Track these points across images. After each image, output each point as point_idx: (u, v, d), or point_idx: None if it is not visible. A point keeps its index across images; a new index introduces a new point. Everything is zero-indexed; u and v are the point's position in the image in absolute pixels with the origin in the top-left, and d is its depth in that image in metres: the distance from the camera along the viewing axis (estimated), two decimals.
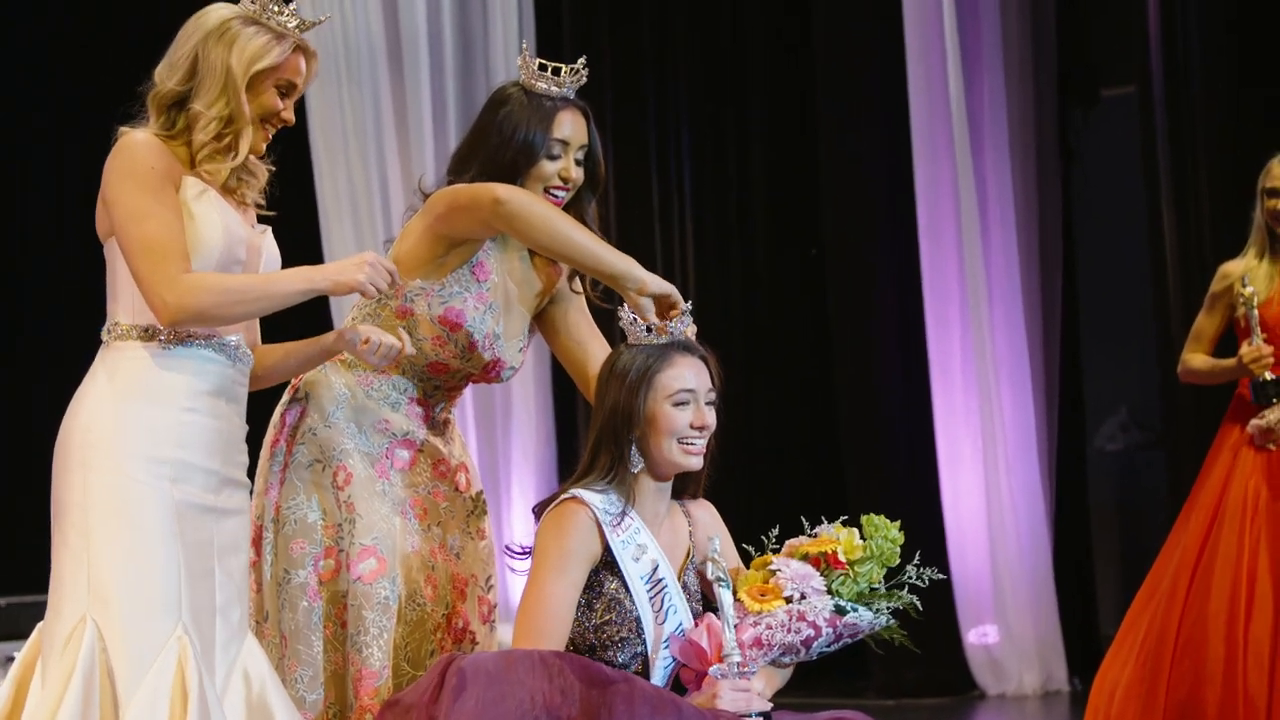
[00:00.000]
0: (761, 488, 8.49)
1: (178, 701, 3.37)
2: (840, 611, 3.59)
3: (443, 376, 3.96)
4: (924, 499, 8.15)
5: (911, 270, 8.19)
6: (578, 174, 3.86)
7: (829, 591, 3.60)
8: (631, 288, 3.71)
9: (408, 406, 3.93)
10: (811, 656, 3.67)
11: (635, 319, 3.71)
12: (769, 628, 3.57)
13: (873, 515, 3.68)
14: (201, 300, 3.45)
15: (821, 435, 8.60)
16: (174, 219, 3.48)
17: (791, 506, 4.06)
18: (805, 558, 3.64)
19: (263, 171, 3.67)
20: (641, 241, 8.42)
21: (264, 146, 3.63)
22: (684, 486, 3.83)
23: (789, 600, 3.58)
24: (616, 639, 3.63)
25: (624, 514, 3.66)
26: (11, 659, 3.57)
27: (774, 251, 8.86)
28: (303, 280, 3.52)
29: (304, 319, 4.12)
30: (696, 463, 3.68)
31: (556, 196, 3.85)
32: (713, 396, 3.69)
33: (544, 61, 3.94)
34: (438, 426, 4.00)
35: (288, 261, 3.82)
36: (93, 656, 3.37)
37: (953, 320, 8.14)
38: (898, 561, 3.69)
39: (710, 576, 3.58)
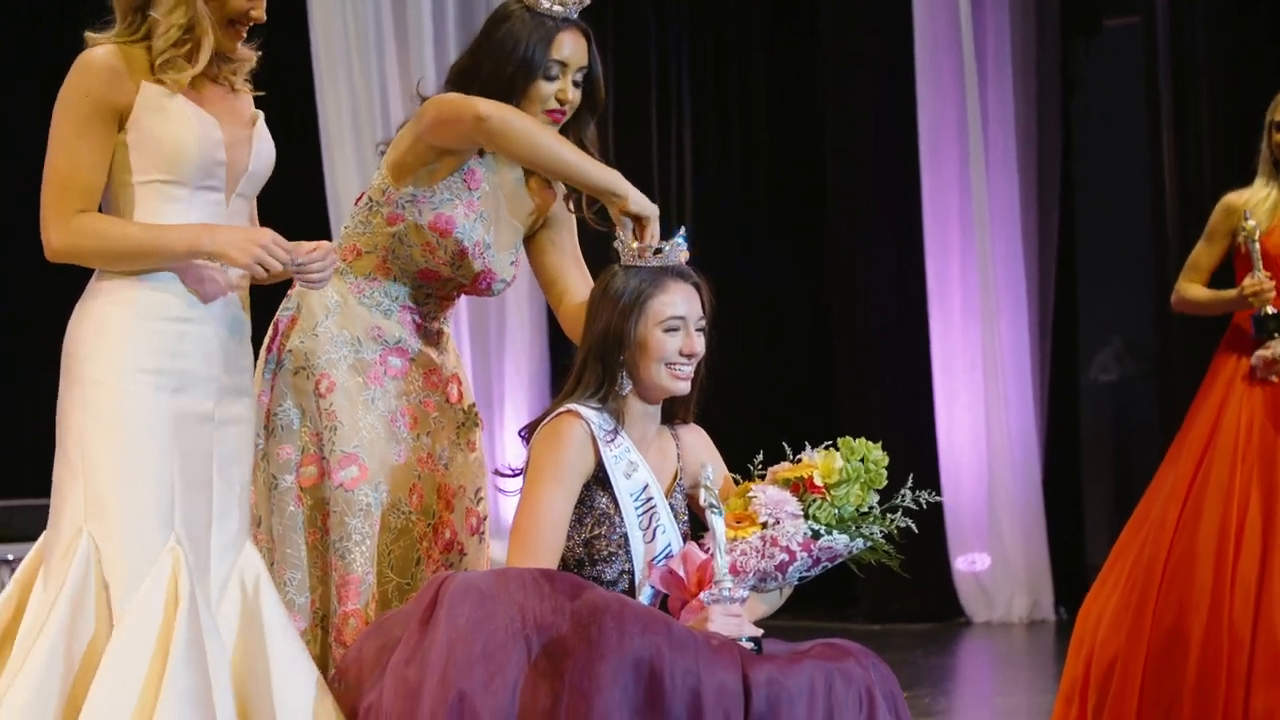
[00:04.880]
0: (753, 414, 8.47)
1: (170, 611, 3.35)
2: (815, 536, 3.55)
3: (434, 284, 3.91)
4: (918, 426, 8.15)
5: (912, 195, 8.17)
6: (575, 96, 3.81)
7: (805, 516, 3.57)
8: (613, 203, 3.68)
9: (400, 313, 3.89)
10: (791, 581, 3.63)
11: (627, 241, 3.69)
12: (743, 553, 3.54)
13: (850, 438, 3.63)
14: (83, 244, 3.39)
15: (816, 361, 8.62)
16: (87, 153, 3.39)
17: (782, 434, 3.99)
18: (786, 484, 3.61)
19: (249, 55, 3.55)
20: (639, 164, 8.39)
21: (237, 45, 3.52)
22: (673, 411, 3.81)
23: (764, 526, 3.55)
24: (604, 554, 3.63)
25: (616, 431, 3.65)
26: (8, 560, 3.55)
27: (774, 173, 8.84)
28: (189, 242, 3.40)
29: (307, 228, 4.03)
30: (684, 388, 3.66)
31: (554, 118, 3.81)
32: (703, 324, 3.67)
33: None
34: (431, 336, 3.96)
35: (287, 174, 3.79)
36: (86, 569, 3.35)
37: (952, 247, 8.14)
38: (884, 483, 3.64)
39: (703, 503, 3.56)
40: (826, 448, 3.63)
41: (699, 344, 3.65)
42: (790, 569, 3.57)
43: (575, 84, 3.79)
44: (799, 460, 3.63)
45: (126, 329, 3.40)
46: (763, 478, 3.65)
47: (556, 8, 3.77)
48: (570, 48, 3.79)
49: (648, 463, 3.65)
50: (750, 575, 3.55)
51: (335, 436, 3.77)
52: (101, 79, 3.38)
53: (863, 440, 3.64)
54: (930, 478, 7.32)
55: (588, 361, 3.64)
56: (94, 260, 3.41)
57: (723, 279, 3.94)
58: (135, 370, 3.39)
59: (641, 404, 3.67)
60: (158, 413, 3.38)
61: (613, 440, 3.60)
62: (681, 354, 3.63)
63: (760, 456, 3.70)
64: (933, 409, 8.25)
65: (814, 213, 8.72)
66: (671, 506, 3.68)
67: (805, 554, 3.56)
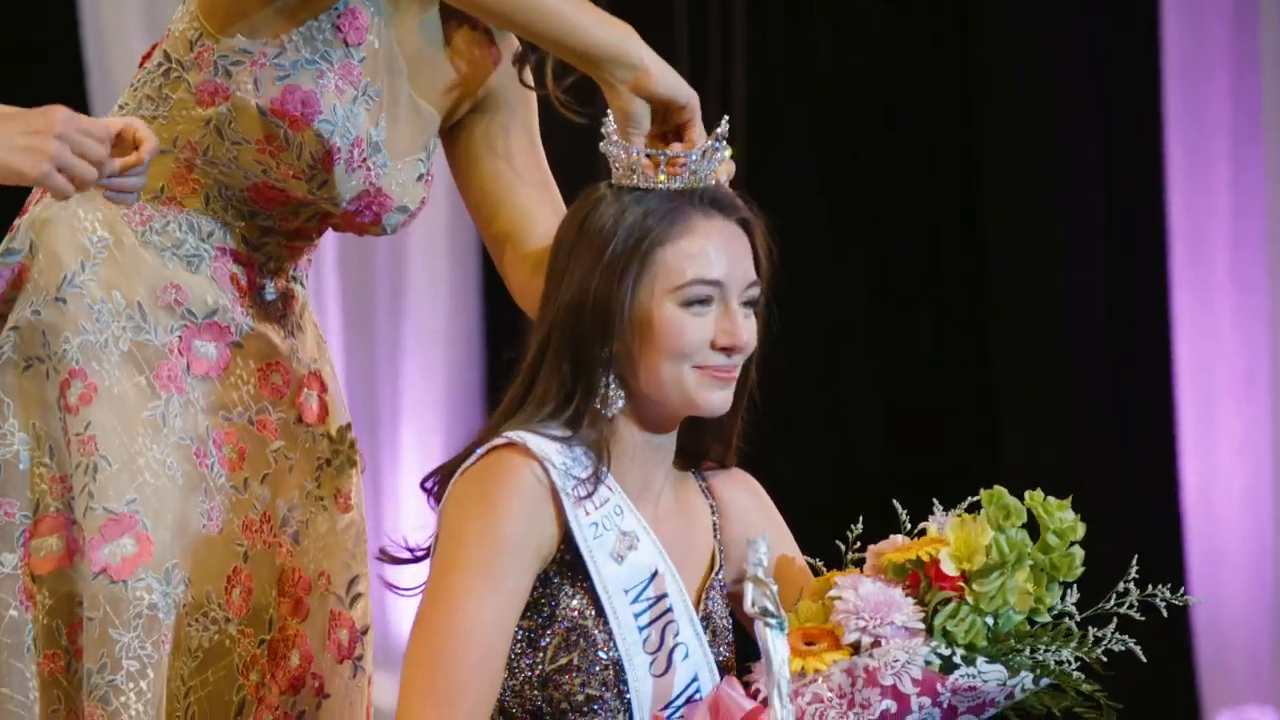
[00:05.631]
0: (845, 454, 7.34)
1: None
2: (945, 668, 2.96)
3: (276, 212, 3.35)
4: (1147, 483, 6.91)
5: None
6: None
7: (928, 632, 3.00)
8: (622, 80, 3.12)
9: (215, 263, 3.33)
10: None
11: (622, 143, 3.13)
12: (817, 699, 3.00)
13: (1000, 490, 3.02)
14: None
15: (960, 365, 7.33)
16: None
17: (894, 487, 3.33)
18: (898, 573, 3.05)
19: None
20: (655, 25, 7.50)
21: None
22: (700, 445, 3.23)
23: (856, 649, 3.01)
24: (578, 699, 3.06)
25: (596, 480, 3.07)
26: None
27: (884, 49, 7.48)
28: None
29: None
30: (722, 404, 3.10)
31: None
32: (755, 293, 3.11)
33: None
34: (272, 306, 3.40)
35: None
36: None
37: (1216, 172, 6.89)
38: (1078, 573, 3.04)
39: (749, 608, 2.95)
40: (968, 510, 3.05)
41: (748, 330, 3.10)
42: None
43: None
44: (920, 532, 3.08)
45: None
46: (860, 564, 3.10)
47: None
48: None
49: (659, 534, 3.10)
50: None
51: (96, 484, 3.22)
52: None
53: (1037, 495, 3.03)
54: (1168, 568, 5.97)
55: (548, 356, 3.09)
56: None
57: (788, 222, 3.21)
58: None
59: (644, 433, 3.12)
60: None
61: (589, 496, 3.06)
62: (717, 346, 3.07)
63: (858, 527, 3.11)
64: (1174, 454, 6.85)
65: (953, 108, 7.35)
66: (708, 614, 3.15)
67: (928, 700, 2.96)
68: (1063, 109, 7.05)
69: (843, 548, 3.14)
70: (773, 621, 2.93)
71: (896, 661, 2.96)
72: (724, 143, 3.12)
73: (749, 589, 2.95)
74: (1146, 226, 6.99)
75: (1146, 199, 6.96)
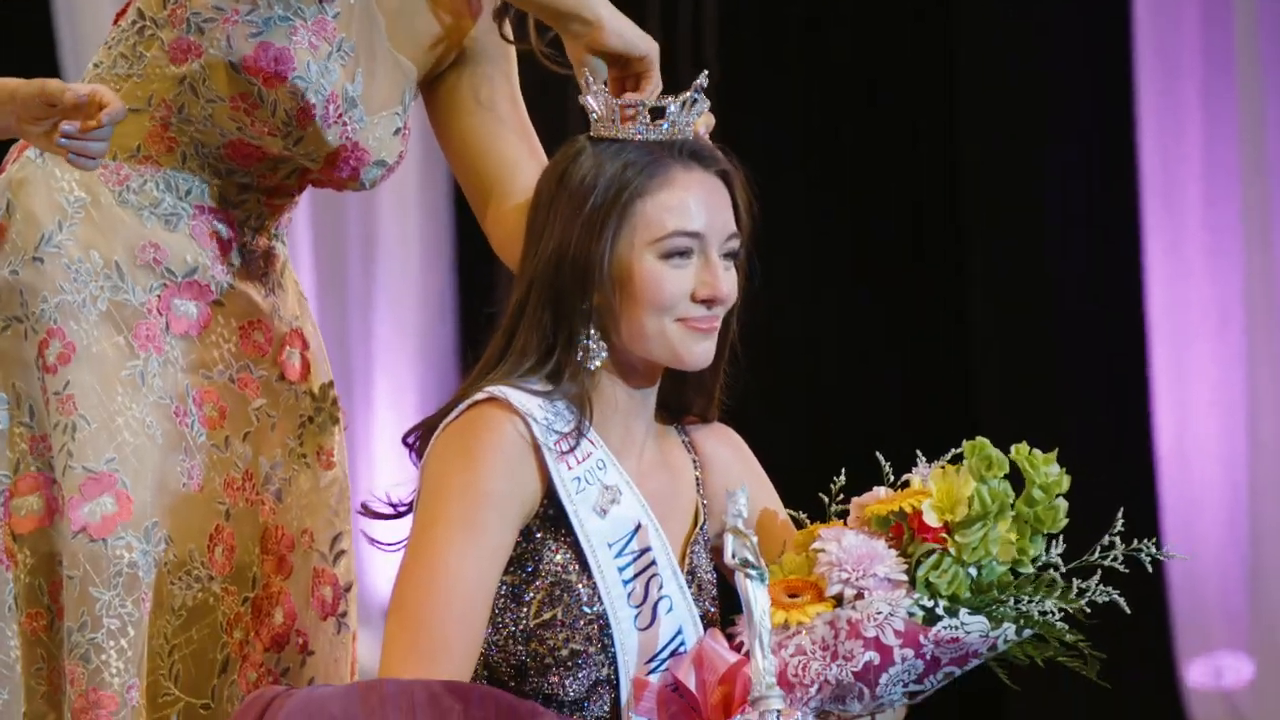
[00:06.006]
0: (825, 421, 7.32)
1: None
2: (928, 619, 2.95)
3: (254, 168, 3.35)
4: (1120, 430, 6.85)
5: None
6: None
7: (911, 583, 2.99)
8: (578, 34, 3.21)
9: (194, 221, 3.32)
10: (890, 702, 3.05)
11: (603, 94, 3.15)
12: (800, 651, 2.98)
13: (983, 441, 2.99)
14: None
15: (934, 310, 7.32)
16: None
17: (876, 438, 3.32)
18: (881, 525, 3.03)
19: None
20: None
21: None
22: (682, 399, 3.23)
23: (838, 602, 3.00)
24: (562, 654, 3.06)
25: (579, 434, 3.06)
26: None
27: (865, 22, 7.44)
28: None
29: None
30: (703, 357, 3.10)
31: None
32: (735, 245, 3.11)
33: None
34: (252, 262, 3.39)
35: None
36: None
37: (1187, 118, 6.84)
38: (1061, 525, 3.01)
39: (729, 559, 2.96)
40: (951, 462, 3.05)
41: (728, 282, 3.10)
42: (884, 679, 2.96)
43: None
44: (903, 484, 3.07)
45: None
46: (843, 516, 3.08)
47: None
48: None
49: (643, 489, 3.10)
50: (814, 689, 2.96)
51: (74, 443, 3.22)
52: None
53: (1023, 448, 3.01)
54: (1143, 522, 6.30)
55: (529, 310, 3.09)
56: None
57: (767, 171, 3.24)
58: None
59: (626, 387, 3.11)
60: None
61: (572, 450, 3.06)
62: (697, 298, 3.07)
63: (840, 479, 3.10)
64: (1147, 400, 6.79)
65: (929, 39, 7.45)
66: (692, 569, 3.15)
67: (910, 652, 2.94)
68: (1042, 54, 7.05)
69: (826, 500, 3.13)
70: (753, 573, 2.91)
71: (879, 613, 2.94)
72: (703, 94, 3.10)
73: (729, 540, 2.95)
74: (1119, 174, 7.02)
75: (1117, 147, 6.97)
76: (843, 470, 3.14)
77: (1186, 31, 7.07)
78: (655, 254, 3.05)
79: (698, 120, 3.11)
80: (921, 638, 2.92)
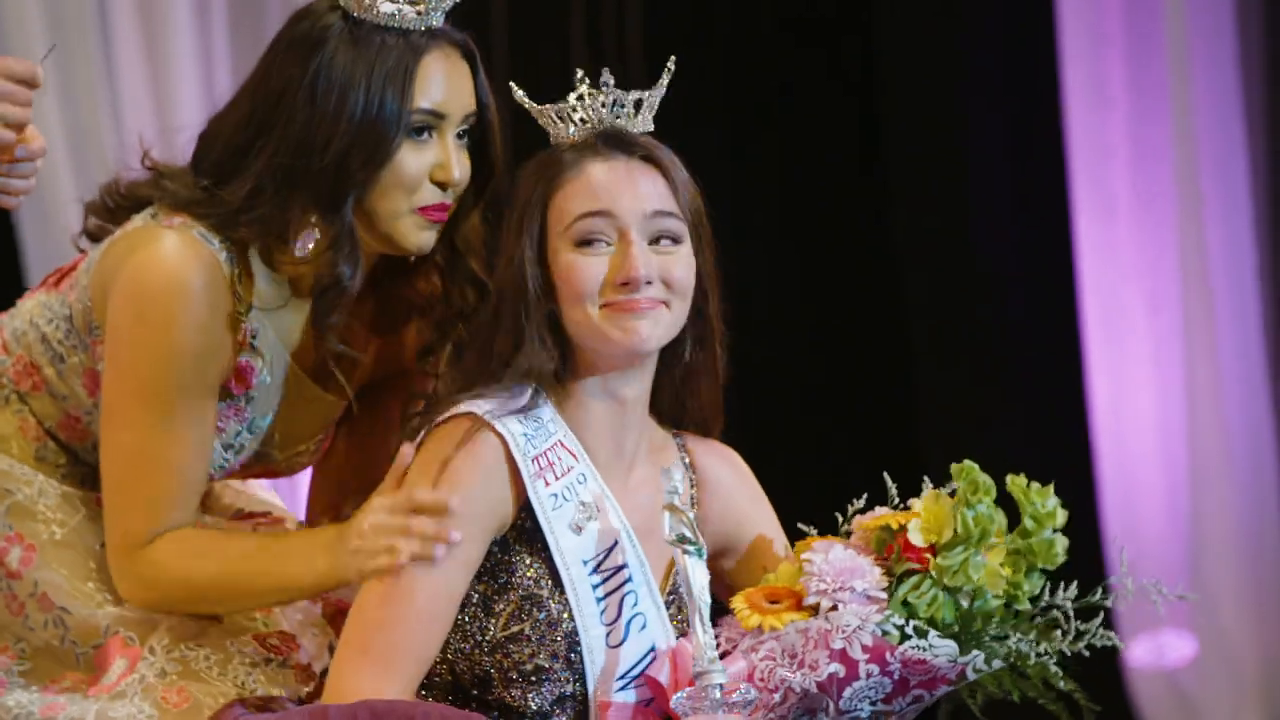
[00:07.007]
0: (753, 390, 7.34)
1: None
2: (901, 638, 2.89)
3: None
4: (1058, 409, 6.71)
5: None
6: (464, 167, 3.06)
7: (891, 600, 2.95)
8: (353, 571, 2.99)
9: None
10: (857, 716, 2.98)
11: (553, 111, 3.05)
12: (769, 657, 2.93)
13: (971, 465, 2.93)
14: None
15: (871, 296, 7.06)
16: None
17: (809, 413, 3.48)
18: (879, 543, 2.99)
19: None
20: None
21: None
22: (680, 406, 3.13)
23: (814, 612, 2.95)
24: (527, 669, 2.99)
25: (553, 447, 2.99)
26: None
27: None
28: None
29: None
30: (644, 335, 2.97)
31: (433, 217, 3.08)
32: (669, 225, 2.98)
33: None
34: None
35: None
36: None
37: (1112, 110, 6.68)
38: (1059, 559, 2.95)
39: (666, 535, 2.92)
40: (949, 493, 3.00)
41: (645, 262, 2.97)
42: (848, 692, 2.90)
43: (460, 140, 3.07)
44: (905, 506, 3.03)
45: None
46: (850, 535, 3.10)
47: (405, 8, 3.01)
48: (444, 82, 3.04)
49: (629, 503, 3.04)
50: (778, 696, 2.92)
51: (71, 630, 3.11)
52: None
53: (1019, 479, 2.96)
54: (1081, 509, 6.37)
55: (498, 322, 3.03)
56: None
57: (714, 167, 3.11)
58: None
59: (601, 392, 3.04)
60: None
61: (550, 465, 3.00)
62: (614, 281, 2.97)
63: (861, 501, 3.06)
64: (1082, 386, 6.67)
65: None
66: (675, 587, 3.07)
67: (876, 668, 2.90)
68: (964, 34, 7.04)
69: (840, 519, 3.07)
70: (690, 549, 2.90)
71: (848, 626, 2.90)
72: (613, 85, 3.00)
73: (666, 517, 2.92)
74: (1046, 143, 6.92)
75: (1044, 117, 6.89)
76: (864, 496, 3.08)
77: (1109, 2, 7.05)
78: (569, 244, 2.98)
79: (628, 119, 3.03)
80: (888, 655, 2.88)
